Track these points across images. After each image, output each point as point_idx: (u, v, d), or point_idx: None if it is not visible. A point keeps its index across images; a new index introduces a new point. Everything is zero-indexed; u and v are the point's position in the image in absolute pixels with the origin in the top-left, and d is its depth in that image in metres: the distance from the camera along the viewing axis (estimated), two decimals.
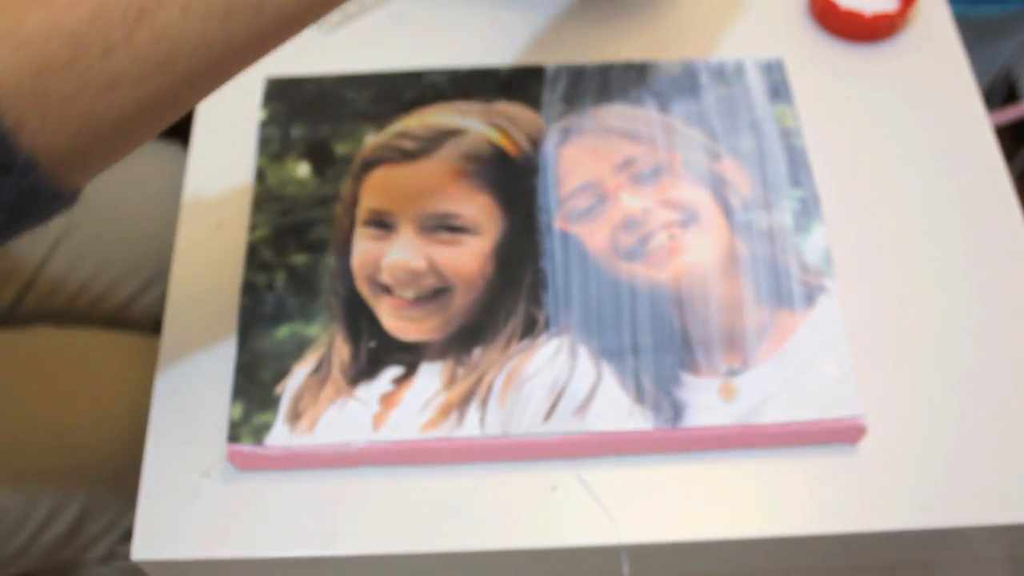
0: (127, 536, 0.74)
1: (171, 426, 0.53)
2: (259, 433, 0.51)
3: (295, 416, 0.51)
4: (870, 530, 0.50)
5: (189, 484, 0.51)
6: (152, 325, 0.84)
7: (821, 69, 0.65)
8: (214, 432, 0.53)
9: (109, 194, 0.81)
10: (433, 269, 0.55)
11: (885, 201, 0.60)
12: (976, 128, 0.63)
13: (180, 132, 0.89)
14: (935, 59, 0.66)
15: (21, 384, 0.73)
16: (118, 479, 0.72)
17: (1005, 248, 0.58)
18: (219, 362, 0.55)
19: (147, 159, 0.85)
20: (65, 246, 0.78)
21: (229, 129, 0.63)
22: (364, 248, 0.56)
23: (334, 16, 0.67)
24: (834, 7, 0.65)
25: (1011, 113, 1.13)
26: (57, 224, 0.78)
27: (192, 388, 0.54)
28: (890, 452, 0.52)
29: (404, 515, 0.50)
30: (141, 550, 0.50)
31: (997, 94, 1.27)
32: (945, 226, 0.59)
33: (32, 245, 0.77)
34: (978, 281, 0.57)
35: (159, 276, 0.82)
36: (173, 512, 0.51)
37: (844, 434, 0.51)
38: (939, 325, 0.56)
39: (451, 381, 0.52)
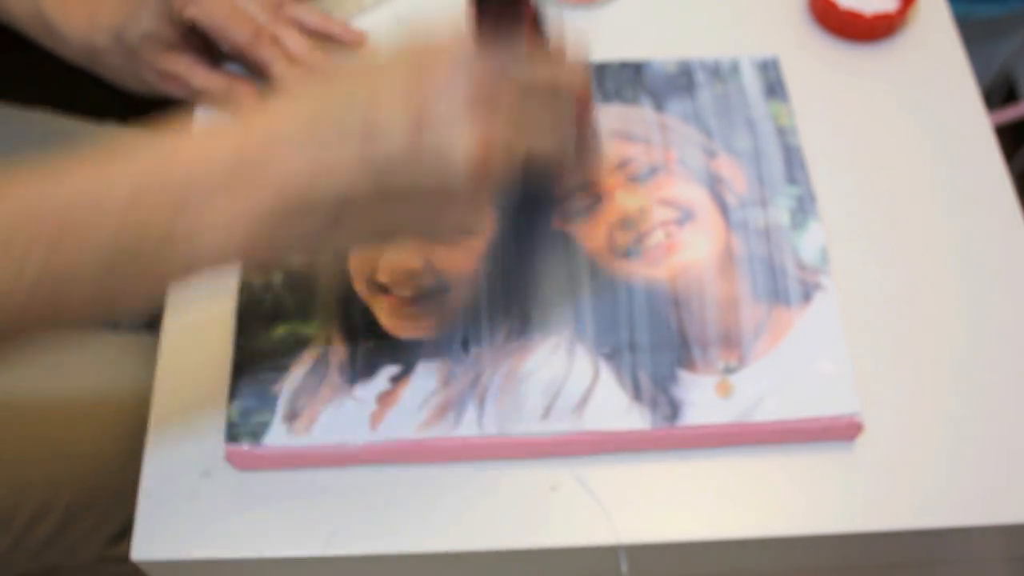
0: (116, 539, 0.74)
1: (171, 426, 0.53)
2: (257, 433, 0.51)
3: (293, 416, 0.51)
4: (869, 530, 0.50)
5: (189, 484, 0.52)
6: (142, 322, 0.83)
7: (820, 69, 0.65)
8: (214, 432, 0.53)
9: None
10: (430, 268, 0.55)
11: (885, 201, 0.60)
12: (976, 128, 0.63)
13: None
14: (935, 59, 0.65)
15: (4, 385, 0.73)
16: (103, 479, 0.72)
17: (1004, 247, 0.58)
18: (219, 362, 0.55)
19: None
20: None
21: None
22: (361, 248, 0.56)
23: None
24: (834, 7, 0.65)
25: (1011, 113, 1.13)
26: None
27: (192, 388, 0.54)
28: (888, 451, 0.52)
29: (403, 515, 0.50)
30: (141, 550, 0.50)
31: (997, 94, 1.26)
32: (945, 225, 0.59)
33: None
34: (977, 280, 0.57)
35: None
36: (173, 512, 0.51)
37: (841, 431, 0.51)
38: (938, 325, 0.56)
39: (448, 380, 0.52)
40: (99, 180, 0.39)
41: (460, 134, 0.38)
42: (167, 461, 0.52)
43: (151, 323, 0.82)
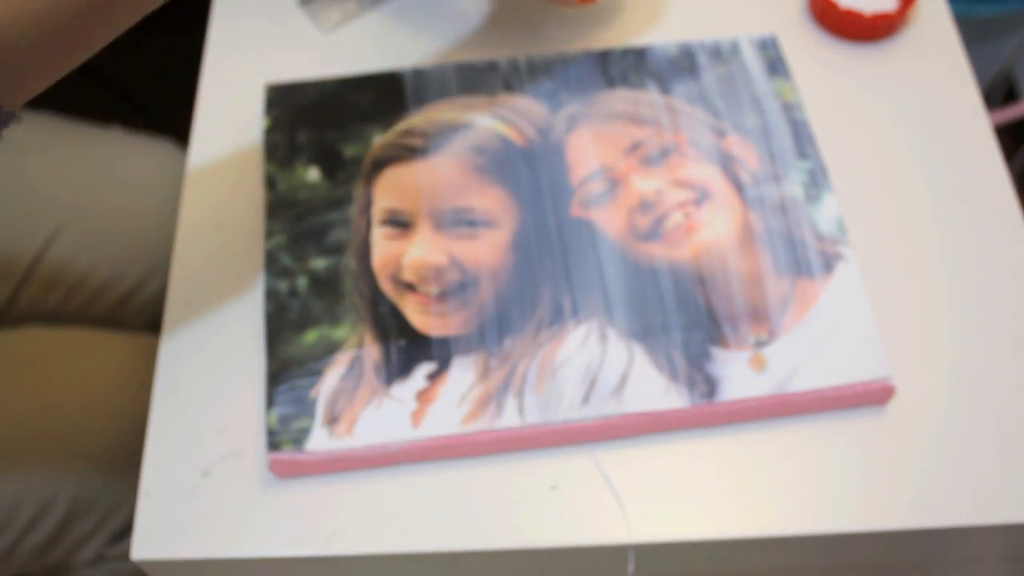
0: (116, 538, 0.74)
1: (171, 426, 0.53)
2: (298, 439, 0.50)
3: (333, 419, 0.51)
4: (870, 530, 0.50)
5: (189, 484, 0.51)
6: (146, 324, 0.83)
7: (821, 69, 0.65)
8: (214, 432, 0.52)
9: (101, 189, 0.80)
10: (455, 264, 0.55)
11: (884, 201, 0.60)
12: (976, 128, 0.63)
13: (170, 127, 0.88)
14: (935, 59, 0.66)
15: (7, 384, 0.72)
16: (103, 479, 0.72)
17: (1004, 248, 0.58)
18: (219, 361, 0.55)
19: (137, 154, 0.84)
20: (59, 242, 0.77)
21: (227, 129, 0.62)
22: (383, 248, 0.56)
23: (334, 16, 0.67)
24: (834, 7, 0.65)
25: (1011, 113, 1.13)
26: (50, 220, 0.77)
27: (192, 388, 0.54)
28: (889, 451, 0.52)
29: (403, 515, 0.50)
30: (141, 550, 0.50)
31: (997, 94, 1.27)
32: (944, 226, 0.59)
33: (26, 242, 0.76)
34: (977, 282, 0.57)
35: (154, 272, 0.81)
36: (173, 512, 0.51)
37: (874, 396, 0.52)
38: (937, 326, 0.56)
39: (485, 373, 0.52)
40: None
41: None
42: (167, 461, 0.52)
43: (152, 323, 0.82)
